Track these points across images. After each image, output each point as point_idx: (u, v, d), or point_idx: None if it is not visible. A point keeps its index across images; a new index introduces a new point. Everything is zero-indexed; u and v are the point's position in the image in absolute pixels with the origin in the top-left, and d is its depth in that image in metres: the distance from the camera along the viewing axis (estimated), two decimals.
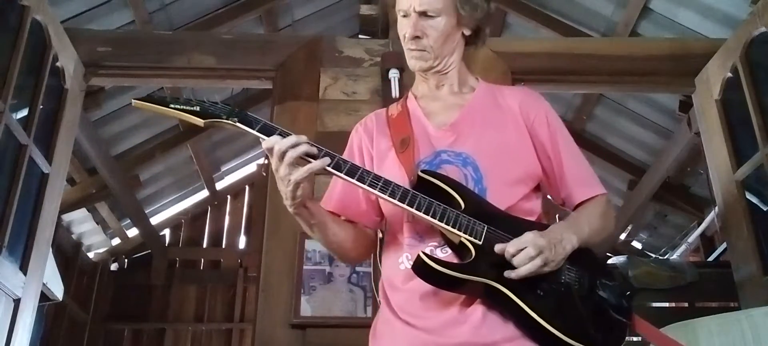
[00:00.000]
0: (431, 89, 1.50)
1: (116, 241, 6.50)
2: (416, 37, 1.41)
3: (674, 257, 5.84)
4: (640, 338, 3.91)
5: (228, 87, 4.17)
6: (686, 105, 3.79)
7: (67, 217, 5.36)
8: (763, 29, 2.75)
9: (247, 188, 7.17)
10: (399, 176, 1.31)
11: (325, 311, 2.62)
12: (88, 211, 5.53)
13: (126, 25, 3.85)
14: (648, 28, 3.84)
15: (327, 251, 1.55)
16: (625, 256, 4.30)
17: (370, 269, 2.67)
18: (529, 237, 1.21)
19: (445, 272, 1.19)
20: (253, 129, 1.26)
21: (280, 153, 1.22)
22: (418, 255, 1.21)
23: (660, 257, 5.83)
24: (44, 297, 3.17)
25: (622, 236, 6.25)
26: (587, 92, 4.54)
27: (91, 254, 6.31)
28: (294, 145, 1.22)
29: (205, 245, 7.02)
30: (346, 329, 2.56)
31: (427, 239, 1.31)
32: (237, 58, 3.20)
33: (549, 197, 1.52)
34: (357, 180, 1.25)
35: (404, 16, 1.44)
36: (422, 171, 1.32)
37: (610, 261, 4.32)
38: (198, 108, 1.28)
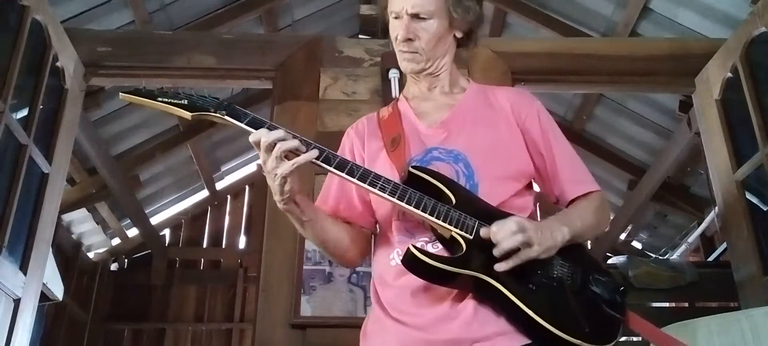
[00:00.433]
0: (423, 91, 1.51)
1: (116, 241, 6.49)
2: (408, 40, 1.42)
3: (674, 257, 5.84)
4: (640, 339, 3.93)
5: (228, 87, 4.17)
6: (686, 105, 3.79)
7: (67, 217, 5.36)
8: (763, 29, 2.75)
9: (247, 188, 7.17)
10: (390, 174, 1.31)
11: (325, 311, 2.62)
12: (88, 211, 5.53)
13: (126, 25, 3.85)
14: (648, 28, 3.84)
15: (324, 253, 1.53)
16: (625, 256, 4.31)
17: (370, 270, 2.67)
18: (514, 218, 1.22)
19: (435, 266, 1.19)
20: (241, 122, 1.26)
21: (268, 146, 1.21)
22: (408, 248, 1.20)
23: (660, 257, 5.83)
24: (44, 297, 3.16)
25: (622, 236, 6.25)
26: (587, 92, 4.53)
27: (91, 254, 6.31)
28: (281, 139, 1.22)
29: (205, 245, 7.01)
30: (346, 329, 2.55)
31: (417, 235, 1.31)
32: (237, 58, 3.20)
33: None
34: (346, 174, 1.25)
35: (396, 17, 1.44)
36: (413, 166, 1.32)
37: (610, 261, 4.33)
38: (186, 101, 1.28)
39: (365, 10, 3.69)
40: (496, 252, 1.19)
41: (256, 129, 1.24)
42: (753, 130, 2.74)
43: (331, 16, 4.87)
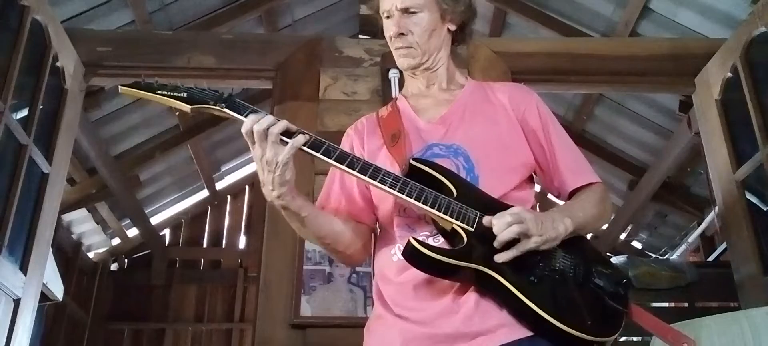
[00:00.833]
0: (421, 88, 1.51)
1: (116, 241, 6.50)
2: (401, 35, 1.42)
3: (674, 257, 5.84)
4: (640, 339, 3.93)
5: (228, 87, 4.16)
6: (686, 105, 3.79)
7: (67, 217, 5.36)
8: (763, 29, 2.75)
9: (247, 188, 7.17)
10: (390, 169, 1.30)
11: (325, 311, 2.62)
12: (88, 211, 5.53)
13: (126, 25, 3.85)
14: (648, 28, 3.84)
15: (324, 251, 1.52)
16: (625, 256, 4.31)
17: (370, 269, 2.67)
18: (514, 209, 1.21)
19: (436, 258, 1.18)
20: (241, 114, 1.25)
21: (262, 132, 1.20)
22: (409, 241, 1.20)
23: (660, 257, 5.83)
24: (44, 297, 3.16)
25: (622, 236, 6.25)
26: (587, 92, 4.54)
27: (91, 254, 6.31)
28: (273, 123, 1.21)
29: (205, 245, 7.01)
30: (346, 329, 2.56)
31: (418, 229, 1.31)
32: (237, 58, 3.21)
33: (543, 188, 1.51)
34: (346, 166, 1.25)
35: (387, 17, 1.45)
36: (414, 159, 1.32)
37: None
38: (185, 94, 1.28)
39: (365, 10, 3.68)
40: (496, 243, 1.19)
41: None
42: (753, 130, 2.74)
43: (331, 16, 4.87)
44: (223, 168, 6.50)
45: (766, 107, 2.74)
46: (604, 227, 5.59)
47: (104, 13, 3.70)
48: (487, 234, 1.20)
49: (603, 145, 5.16)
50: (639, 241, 6.50)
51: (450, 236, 1.25)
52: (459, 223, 1.22)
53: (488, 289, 1.21)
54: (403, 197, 1.24)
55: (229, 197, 7.14)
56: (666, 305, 4.15)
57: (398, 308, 1.28)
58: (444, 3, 1.44)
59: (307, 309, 2.62)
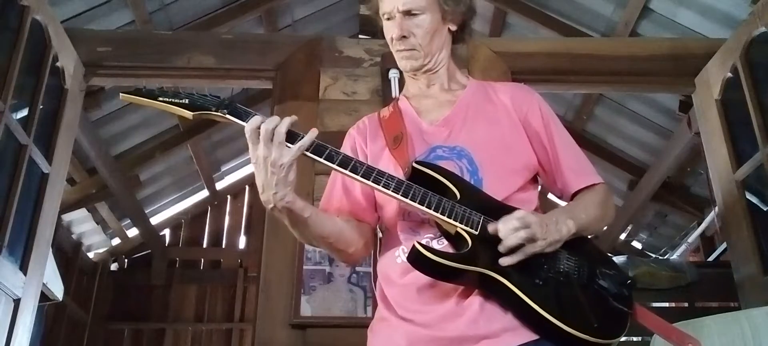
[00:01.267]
0: (422, 88, 1.51)
1: (116, 241, 6.50)
2: (403, 37, 1.42)
3: (674, 257, 5.84)
4: (640, 339, 3.92)
5: (228, 87, 4.17)
6: (686, 105, 3.79)
7: (67, 217, 5.36)
8: (763, 29, 2.75)
9: (247, 187, 7.16)
10: (394, 172, 1.30)
11: (325, 311, 2.62)
12: (88, 211, 5.54)
13: (126, 25, 3.85)
14: (648, 28, 3.84)
15: (325, 251, 1.51)
16: (625, 256, 4.31)
17: (370, 269, 2.67)
18: (519, 212, 1.21)
19: (440, 262, 1.18)
20: (244, 120, 1.24)
21: (268, 132, 1.19)
22: (414, 245, 1.20)
23: (660, 257, 5.83)
24: (44, 297, 3.16)
25: (622, 236, 6.25)
26: (587, 92, 4.54)
27: (91, 254, 6.31)
28: (278, 124, 1.20)
29: (205, 245, 7.02)
30: (346, 329, 2.56)
31: (422, 232, 1.31)
32: (237, 58, 3.20)
33: (547, 190, 1.51)
34: (350, 171, 1.24)
35: (389, 18, 1.44)
36: (417, 162, 1.31)
37: None
38: (187, 100, 1.27)
39: (365, 10, 3.65)
40: (501, 248, 1.19)
41: None
42: (753, 130, 2.74)
43: (331, 16, 4.87)
44: (223, 168, 6.50)
45: (766, 107, 2.74)
46: (605, 227, 5.59)
47: (104, 13, 3.70)
48: (492, 237, 1.20)
49: (603, 145, 5.16)
50: (639, 241, 6.49)
51: (454, 239, 1.25)
52: (463, 226, 1.22)
53: (493, 292, 1.21)
54: (407, 200, 1.23)
55: (229, 197, 7.14)
56: (666, 305, 4.15)
57: (402, 310, 1.28)
58: (445, 4, 1.43)
59: (307, 309, 2.62)
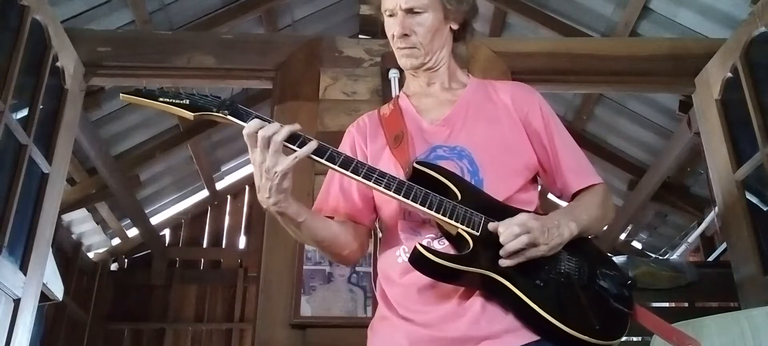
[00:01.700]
0: (422, 87, 1.50)
1: (116, 241, 6.50)
2: (405, 35, 1.41)
3: (674, 257, 5.84)
4: (639, 339, 3.92)
5: (228, 87, 4.17)
6: (686, 105, 3.79)
7: (67, 217, 5.36)
8: (763, 29, 2.75)
9: (247, 187, 7.16)
10: (394, 172, 1.30)
11: (325, 311, 2.62)
12: (88, 211, 5.54)
13: (126, 25, 3.85)
14: (648, 28, 3.84)
15: (321, 252, 1.51)
16: (625, 256, 4.31)
17: (370, 269, 2.67)
18: (520, 217, 1.20)
19: (442, 264, 1.18)
20: (245, 121, 1.23)
21: (265, 139, 1.19)
22: (415, 247, 1.19)
23: (660, 257, 5.83)
24: (44, 297, 3.16)
25: (622, 236, 6.25)
26: (587, 92, 4.54)
27: (91, 254, 6.31)
28: (276, 131, 1.19)
29: (205, 245, 7.02)
30: (346, 329, 2.56)
31: (423, 232, 1.31)
32: (237, 58, 3.20)
33: (546, 190, 1.51)
34: (351, 172, 1.24)
35: (390, 15, 1.43)
36: (418, 162, 1.30)
37: None
38: (187, 101, 1.26)
39: (365, 10, 3.70)
40: (502, 253, 1.18)
41: None
42: (753, 130, 2.74)
43: (331, 16, 4.87)
44: (223, 168, 6.50)
45: (766, 107, 2.74)
46: (605, 227, 5.59)
47: (104, 13, 3.70)
48: (493, 238, 1.20)
49: (603, 145, 5.16)
50: (639, 241, 6.49)
51: (455, 240, 1.25)
52: (464, 227, 1.22)
53: (494, 293, 1.21)
54: (408, 202, 1.23)
55: (229, 197, 7.14)
56: (666, 305, 4.15)
57: (403, 309, 1.28)
58: (448, 3, 1.42)
59: (307, 309, 2.62)
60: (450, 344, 1.20)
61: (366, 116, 1.54)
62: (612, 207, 1.43)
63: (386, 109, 1.51)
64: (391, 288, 1.33)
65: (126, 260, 6.76)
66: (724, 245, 4.36)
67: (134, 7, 3.75)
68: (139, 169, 5.31)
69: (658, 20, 3.76)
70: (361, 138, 1.48)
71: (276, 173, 1.19)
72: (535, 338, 1.18)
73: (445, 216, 1.22)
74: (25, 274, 2.62)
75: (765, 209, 2.78)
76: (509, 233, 1.18)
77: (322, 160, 1.23)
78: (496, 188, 1.30)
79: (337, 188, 1.44)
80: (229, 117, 1.25)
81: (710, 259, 5.17)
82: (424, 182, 1.27)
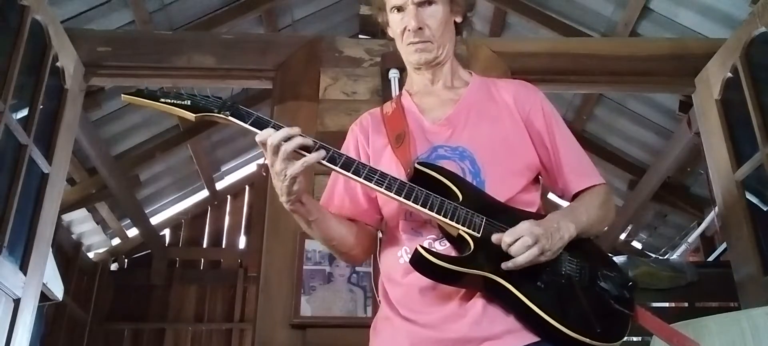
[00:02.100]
0: (426, 85, 1.49)
1: (116, 241, 6.50)
2: (419, 29, 1.40)
3: (674, 257, 5.84)
4: (639, 339, 3.92)
5: (228, 87, 4.17)
6: (686, 105, 3.79)
7: (67, 217, 5.36)
8: (763, 29, 2.75)
9: (247, 188, 7.17)
10: (396, 172, 1.30)
11: (325, 311, 2.62)
12: (88, 211, 5.53)
13: (126, 25, 3.85)
14: (648, 28, 3.84)
15: (327, 250, 1.52)
16: (625, 256, 4.31)
17: (370, 269, 2.67)
18: (525, 226, 1.20)
19: (443, 266, 1.18)
20: (246, 123, 1.24)
21: (273, 147, 1.20)
22: (416, 249, 1.20)
23: (660, 257, 5.83)
24: (44, 297, 3.17)
25: (622, 236, 6.25)
26: (587, 92, 4.54)
27: (91, 254, 6.31)
28: (287, 138, 1.20)
29: (205, 245, 7.02)
30: (346, 329, 2.56)
31: (425, 232, 1.31)
32: (237, 58, 3.20)
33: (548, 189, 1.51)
34: (352, 173, 1.24)
35: (399, 10, 1.42)
36: (419, 163, 1.30)
37: None
38: (189, 102, 1.27)
39: (365, 10, 3.68)
40: (511, 265, 1.18)
41: (261, 129, 1.23)
42: (753, 130, 2.74)
43: (331, 16, 4.87)
44: (223, 168, 6.50)
45: (766, 107, 2.74)
46: (606, 227, 5.59)
47: (104, 13, 3.70)
48: (494, 240, 1.20)
49: (603, 145, 5.16)
50: (639, 241, 6.49)
51: (456, 241, 1.25)
52: (465, 229, 1.22)
53: (495, 294, 1.21)
54: (409, 203, 1.23)
55: (229, 197, 7.15)
56: (666, 305, 4.14)
57: (405, 310, 1.28)
58: None
59: (307, 309, 2.61)
60: (451, 345, 1.20)
61: (368, 114, 1.54)
62: (613, 208, 1.43)
63: (389, 107, 1.50)
64: (393, 288, 1.33)
65: (126, 260, 6.76)
66: (724, 245, 4.36)
67: (134, 7, 3.75)
68: (139, 169, 5.31)
69: (658, 20, 3.76)
70: (363, 136, 1.48)
71: (285, 176, 1.21)
72: (535, 339, 1.19)
73: (445, 217, 1.22)
74: (25, 274, 2.62)
75: (765, 209, 2.78)
76: (521, 244, 1.17)
77: (324, 161, 1.24)
78: (498, 189, 1.30)
79: (342, 188, 1.44)
80: (230, 118, 1.25)
81: (710, 259, 5.16)
82: (426, 182, 1.27)
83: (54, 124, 2.90)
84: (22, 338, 2.63)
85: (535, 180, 1.42)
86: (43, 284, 2.95)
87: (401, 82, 2.90)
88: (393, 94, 2.86)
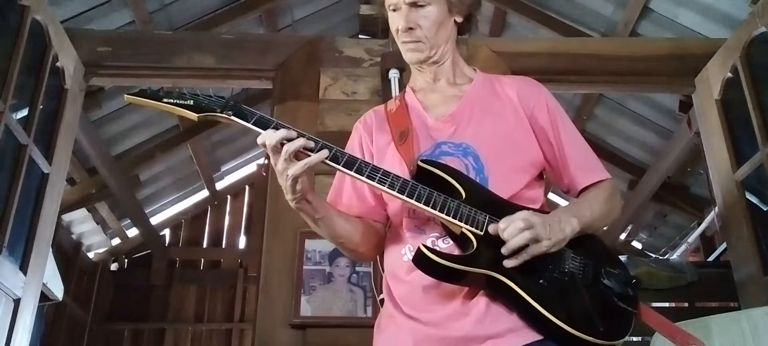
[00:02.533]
0: (428, 82, 1.49)
1: (116, 241, 6.50)
2: (409, 29, 1.40)
3: (674, 257, 5.84)
4: (640, 339, 3.92)
5: (228, 87, 4.17)
6: (686, 105, 3.79)
7: (67, 217, 5.36)
8: (763, 29, 2.75)
9: (247, 188, 7.17)
10: (399, 169, 1.30)
11: (325, 311, 2.62)
12: (88, 211, 5.53)
13: (126, 25, 3.85)
14: (648, 28, 3.84)
15: (333, 247, 1.52)
16: (625, 256, 4.31)
17: (370, 269, 2.67)
18: (521, 212, 1.20)
19: (446, 265, 1.18)
20: (248, 122, 1.24)
21: (275, 148, 1.20)
22: (419, 248, 1.19)
23: (660, 257, 5.83)
24: (44, 297, 3.17)
25: (622, 236, 6.25)
26: (587, 92, 4.53)
27: (91, 254, 6.31)
28: (289, 139, 1.21)
29: (205, 245, 7.02)
30: (346, 329, 2.56)
31: (428, 230, 1.30)
32: (237, 58, 3.20)
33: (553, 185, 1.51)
34: (355, 172, 1.24)
35: (394, 10, 1.43)
36: (422, 160, 1.30)
37: None
38: (192, 102, 1.27)
39: (365, 10, 3.69)
40: (504, 250, 1.18)
41: (264, 129, 1.23)
42: (753, 130, 2.74)
43: (331, 16, 4.87)
44: (223, 168, 6.50)
45: (766, 107, 2.74)
46: (611, 221, 5.60)
47: (104, 13, 3.70)
48: (497, 237, 1.20)
49: (603, 145, 5.15)
50: (639, 241, 6.49)
51: (459, 239, 1.25)
52: (468, 227, 1.21)
53: (498, 293, 1.20)
54: (412, 201, 1.23)
55: (229, 197, 7.14)
56: (666, 305, 4.14)
57: (408, 308, 1.28)
58: None
59: (307, 309, 2.62)
60: (454, 343, 1.20)
61: (372, 112, 1.54)
62: (619, 203, 1.42)
63: (392, 104, 1.50)
64: (397, 286, 1.33)
65: (126, 260, 6.76)
66: (724, 245, 4.35)
67: (134, 7, 3.75)
68: (139, 169, 5.30)
69: (658, 20, 3.76)
70: (366, 134, 1.48)
71: (287, 175, 1.21)
72: (538, 337, 1.18)
73: (448, 216, 1.22)
74: (25, 274, 2.62)
75: (765, 209, 2.78)
76: (514, 228, 1.17)
77: (328, 162, 1.24)
78: (501, 186, 1.30)
79: (350, 186, 1.44)
80: (233, 118, 1.26)
81: (710, 259, 5.16)
82: (429, 180, 1.27)
83: (54, 124, 2.90)
84: (22, 338, 2.64)
85: (539, 177, 1.41)
86: (43, 284, 2.95)
87: (401, 83, 2.90)
88: (393, 94, 2.85)
